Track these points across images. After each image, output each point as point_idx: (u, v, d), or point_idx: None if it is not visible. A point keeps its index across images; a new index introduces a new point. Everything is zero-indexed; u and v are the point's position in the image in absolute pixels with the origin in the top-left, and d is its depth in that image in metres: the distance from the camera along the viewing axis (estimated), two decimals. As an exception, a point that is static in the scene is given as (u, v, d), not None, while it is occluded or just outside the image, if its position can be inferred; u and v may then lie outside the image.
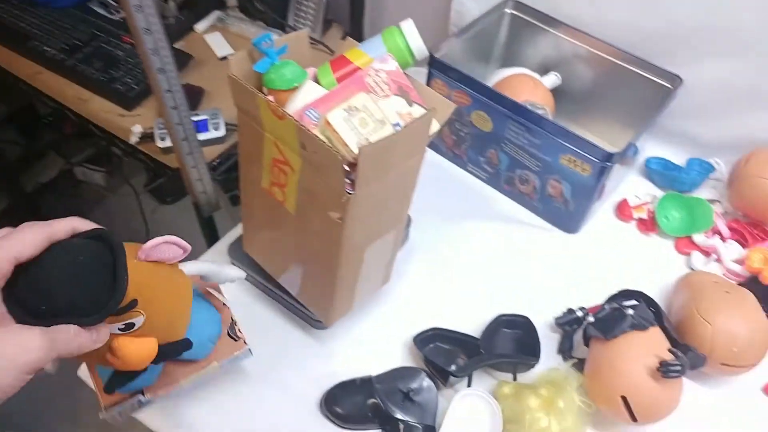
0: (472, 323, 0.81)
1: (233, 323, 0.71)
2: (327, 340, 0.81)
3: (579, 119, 1.06)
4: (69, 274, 0.45)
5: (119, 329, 0.52)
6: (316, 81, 0.68)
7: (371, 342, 0.81)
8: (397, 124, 0.63)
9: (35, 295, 0.44)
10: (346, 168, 0.59)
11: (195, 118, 1.08)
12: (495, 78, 1.03)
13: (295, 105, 0.62)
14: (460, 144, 1.00)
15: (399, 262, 0.82)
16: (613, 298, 0.78)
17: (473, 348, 0.76)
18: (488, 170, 0.99)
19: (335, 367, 0.77)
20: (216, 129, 1.10)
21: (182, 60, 1.20)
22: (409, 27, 0.66)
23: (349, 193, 0.58)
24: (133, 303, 0.50)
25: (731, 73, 0.93)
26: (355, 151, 0.58)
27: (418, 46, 0.66)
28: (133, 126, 1.10)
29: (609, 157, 0.81)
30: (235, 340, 0.70)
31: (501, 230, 0.95)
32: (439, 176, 1.02)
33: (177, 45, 1.26)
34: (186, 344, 0.62)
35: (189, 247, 0.56)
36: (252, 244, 0.83)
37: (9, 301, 0.43)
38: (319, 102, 0.61)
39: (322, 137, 0.60)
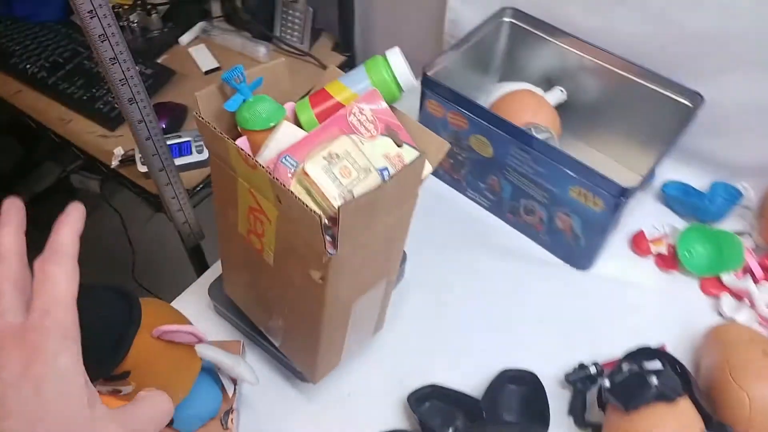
0: (473, 377, 0.73)
1: (230, 412, 0.68)
2: (314, 395, 0.74)
3: (588, 138, 0.99)
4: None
5: (107, 391, 0.52)
6: (295, 118, 0.61)
7: (363, 397, 0.73)
8: (385, 169, 0.56)
9: None
10: (327, 223, 0.52)
11: (177, 141, 1.01)
12: (495, 94, 0.95)
13: (269, 150, 0.55)
14: (459, 168, 0.92)
15: (393, 303, 0.75)
16: (631, 357, 0.68)
17: (474, 409, 0.69)
18: (490, 197, 0.91)
19: (323, 429, 0.70)
20: (200, 152, 1.03)
21: (165, 76, 1.13)
22: (395, 57, 0.58)
23: (331, 253, 0.51)
24: (126, 374, 0.49)
25: (758, 86, 0.84)
26: (337, 205, 0.51)
27: (405, 78, 0.58)
28: (116, 148, 1.03)
29: (624, 192, 0.73)
30: (224, 429, 0.67)
31: (505, 265, 0.87)
32: (437, 203, 0.94)
33: (161, 59, 1.20)
34: None
35: (205, 337, 0.58)
36: (232, 287, 0.75)
37: None
38: (296, 147, 0.54)
39: (299, 189, 0.53)
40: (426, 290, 0.83)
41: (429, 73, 0.85)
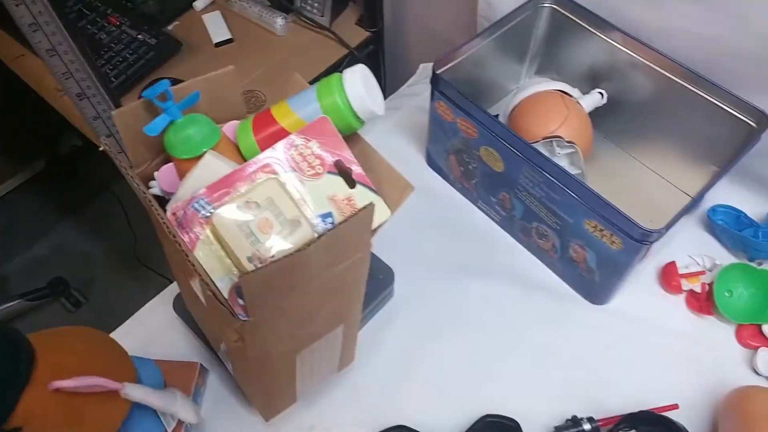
0: (450, 419, 0.65)
1: None
2: (276, 425, 0.67)
3: (630, 147, 0.86)
4: None
5: None
6: (235, 143, 0.52)
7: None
8: (329, 215, 0.47)
9: None
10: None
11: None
12: (523, 92, 0.82)
13: (184, 189, 0.46)
14: (470, 177, 0.81)
15: (376, 328, 0.70)
16: (630, 420, 0.59)
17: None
18: (501, 213, 0.80)
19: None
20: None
21: (169, 48, 1.05)
22: (351, 78, 0.48)
23: (243, 319, 0.43)
24: (17, 430, 0.44)
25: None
26: (248, 268, 0.42)
27: (361, 105, 0.48)
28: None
29: (647, 237, 0.60)
30: None
31: (508, 290, 0.76)
32: (446, 212, 0.84)
33: (171, 26, 1.11)
34: None
35: (119, 386, 0.49)
36: (189, 305, 0.69)
37: None
38: (214, 187, 0.45)
39: (213, 240, 0.44)
40: (414, 313, 0.74)
41: (439, 71, 0.73)
